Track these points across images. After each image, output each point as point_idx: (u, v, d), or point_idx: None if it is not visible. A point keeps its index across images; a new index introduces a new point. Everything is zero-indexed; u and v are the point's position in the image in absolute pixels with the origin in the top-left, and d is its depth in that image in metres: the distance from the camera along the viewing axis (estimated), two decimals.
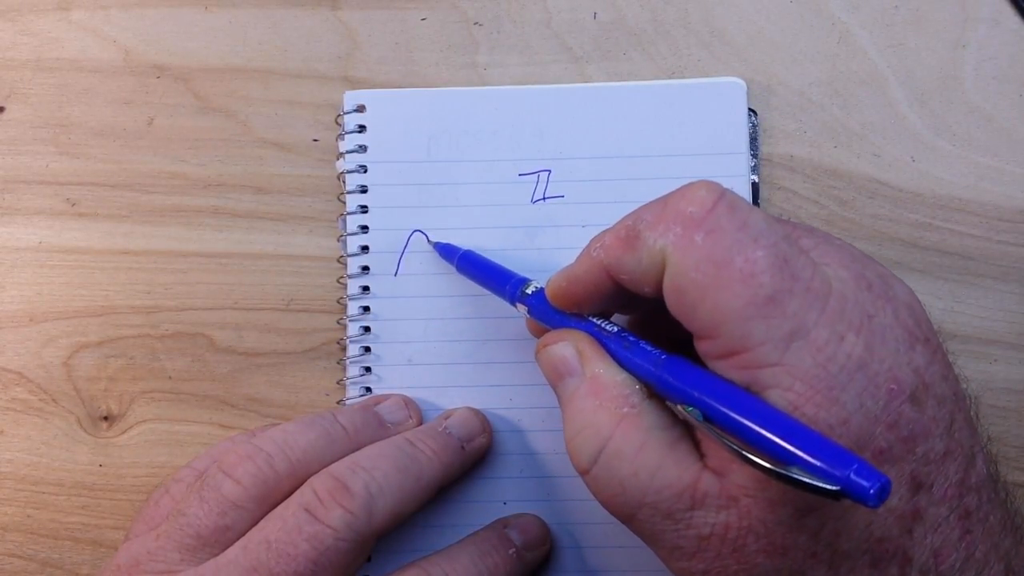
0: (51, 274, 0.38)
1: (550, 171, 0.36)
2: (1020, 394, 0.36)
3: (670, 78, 0.37)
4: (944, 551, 0.24)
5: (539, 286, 0.31)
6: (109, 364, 0.37)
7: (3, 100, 0.38)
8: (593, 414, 0.26)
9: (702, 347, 0.24)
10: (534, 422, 0.35)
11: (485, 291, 0.36)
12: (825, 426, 0.22)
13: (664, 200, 0.25)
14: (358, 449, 0.31)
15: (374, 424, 0.33)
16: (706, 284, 0.23)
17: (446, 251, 0.35)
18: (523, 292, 0.31)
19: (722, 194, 0.24)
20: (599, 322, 0.28)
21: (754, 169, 0.36)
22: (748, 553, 0.23)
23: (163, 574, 0.28)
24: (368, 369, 0.36)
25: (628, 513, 0.25)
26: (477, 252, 0.35)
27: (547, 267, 0.36)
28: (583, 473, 0.26)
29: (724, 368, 0.23)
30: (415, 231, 0.36)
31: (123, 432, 0.37)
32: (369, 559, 0.35)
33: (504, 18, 0.38)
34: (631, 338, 0.27)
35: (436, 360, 0.36)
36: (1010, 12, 0.37)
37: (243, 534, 0.29)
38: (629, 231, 0.25)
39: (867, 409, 0.23)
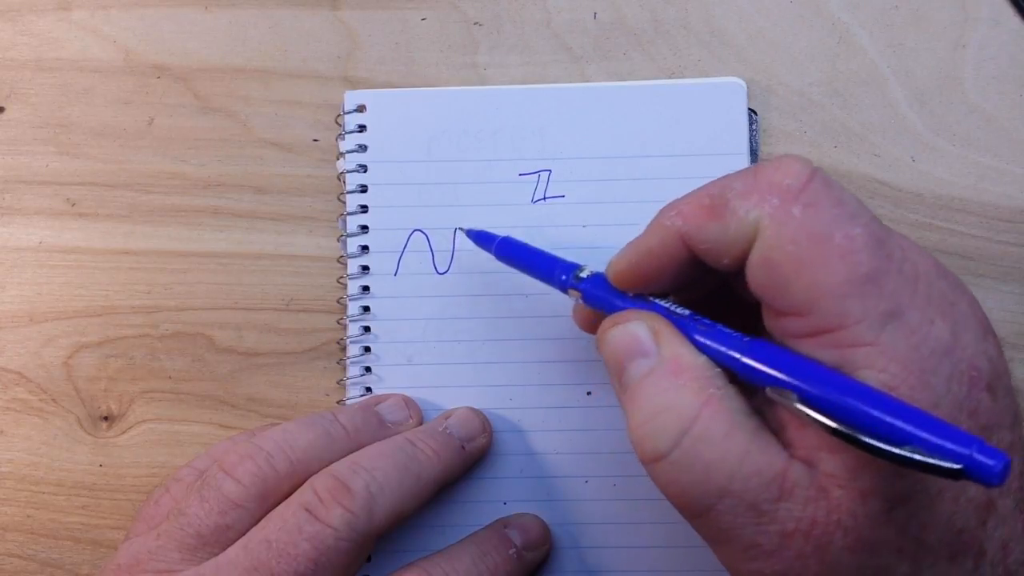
0: (51, 274, 0.38)
1: (550, 171, 0.36)
2: (1020, 394, 0.36)
3: (670, 78, 0.37)
4: (1011, 544, 0.23)
5: (594, 271, 0.29)
6: (109, 364, 0.37)
7: (3, 100, 0.38)
8: (676, 394, 0.24)
9: (788, 325, 0.23)
10: (534, 422, 0.35)
11: (485, 291, 0.36)
12: None
13: (754, 171, 0.24)
14: (358, 449, 0.31)
15: (374, 424, 0.33)
16: (803, 258, 0.22)
17: (481, 238, 0.34)
18: (577, 276, 0.29)
19: (816, 169, 0.23)
20: (668, 304, 0.26)
21: None
22: (833, 551, 0.22)
23: (163, 573, 0.28)
24: (368, 369, 0.36)
25: (706, 504, 0.23)
26: (515, 238, 0.33)
27: None
28: (657, 460, 0.24)
29: (811, 347, 0.23)
30: (415, 231, 0.36)
31: (123, 432, 0.37)
32: (369, 559, 0.35)
33: (504, 18, 0.38)
34: (706, 320, 0.25)
35: (436, 360, 0.36)
36: (1010, 12, 0.37)
37: (243, 534, 0.29)
38: (715, 199, 0.24)
39: (954, 394, 0.22)
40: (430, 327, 0.36)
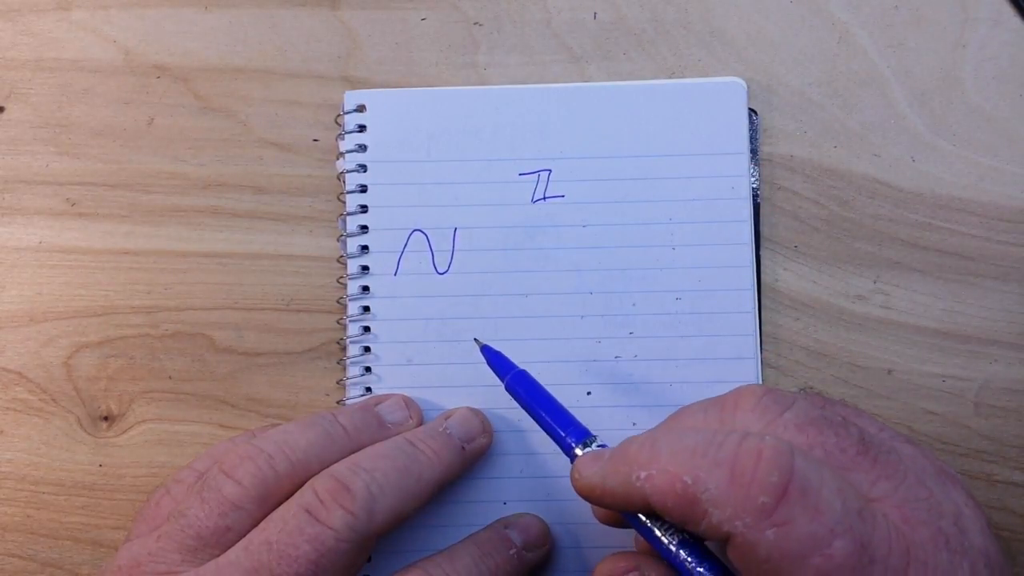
0: (51, 274, 0.38)
1: (550, 171, 0.36)
2: (1020, 394, 0.36)
3: (670, 78, 0.37)
4: None
5: (603, 444, 0.29)
6: (109, 364, 0.37)
7: (3, 100, 0.38)
8: None
9: None
10: (534, 422, 0.35)
11: (485, 291, 0.36)
12: None
13: (730, 464, 0.23)
14: (358, 449, 0.31)
15: (374, 424, 0.33)
16: None
17: (496, 361, 0.33)
18: (586, 446, 0.29)
19: (792, 471, 0.23)
20: (661, 535, 0.26)
21: (754, 169, 0.36)
22: None
23: (164, 575, 0.28)
24: (368, 369, 0.36)
25: None
26: (531, 375, 0.32)
27: (547, 267, 0.36)
28: None
29: None
30: (415, 231, 0.36)
31: (123, 432, 0.37)
32: (369, 559, 0.35)
33: (504, 18, 0.38)
34: (693, 555, 0.25)
35: (436, 360, 0.36)
36: (1010, 12, 0.37)
37: (244, 535, 0.29)
38: (687, 491, 0.24)
39: None
40: (430, 327, 0.36)
